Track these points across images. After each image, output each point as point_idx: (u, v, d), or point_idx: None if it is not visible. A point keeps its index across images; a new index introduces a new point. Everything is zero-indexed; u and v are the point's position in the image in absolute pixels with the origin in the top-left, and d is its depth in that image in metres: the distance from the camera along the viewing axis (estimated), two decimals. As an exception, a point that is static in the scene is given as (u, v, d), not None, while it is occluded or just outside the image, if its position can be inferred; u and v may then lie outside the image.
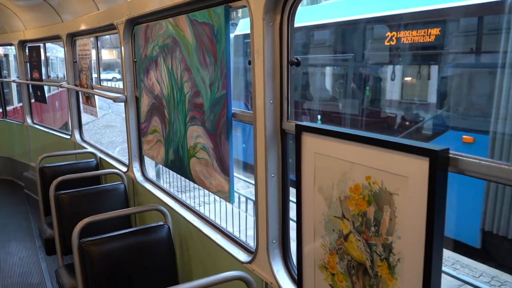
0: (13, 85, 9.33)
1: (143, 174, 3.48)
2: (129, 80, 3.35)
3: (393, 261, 1.27)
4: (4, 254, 4.51)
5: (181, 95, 2.51)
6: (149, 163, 5.20)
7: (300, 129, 1.56)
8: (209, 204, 6.77)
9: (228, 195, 2.15)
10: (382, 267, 1.31)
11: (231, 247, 2.18)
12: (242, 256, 2.08)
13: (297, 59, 1.62)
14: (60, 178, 3.29)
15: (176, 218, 2.74)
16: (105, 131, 17.01)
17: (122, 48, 3.30)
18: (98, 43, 4.67)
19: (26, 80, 6.17)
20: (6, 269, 4.20)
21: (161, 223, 2.59)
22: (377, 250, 1.32)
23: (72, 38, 4.75)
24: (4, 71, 8.93)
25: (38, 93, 5.98)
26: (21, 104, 7.34)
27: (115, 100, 3.45)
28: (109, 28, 3.67)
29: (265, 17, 1.65)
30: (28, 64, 6.08)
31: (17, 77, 6.69)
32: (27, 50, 6.10)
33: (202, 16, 2.16)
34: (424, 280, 1.17)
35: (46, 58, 6.39)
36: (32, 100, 6.49)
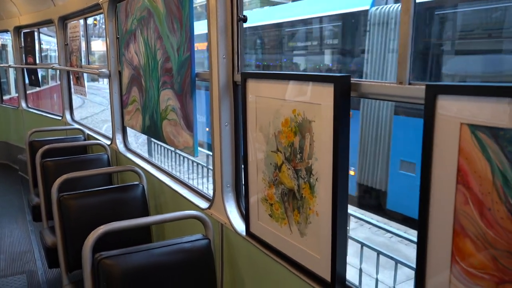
0: (11, 75, 9.53)
1: (125, 145, 3.69)
2: (113, 56, 3.56)
3: (313, 182, 1.47)
4: None
5: (154, 63, 2.71)
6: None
7: (244, 77, 1.76)
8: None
9: (192, 150, 2.36)
10: (306, 188, 1.51)
11: (195, 198, 2.39)
12: (203, 204, 2.29)
13: (244, 16, 1.82)
14: (46, 146, 3.50)
15: (150, 179, 2.94)
16: (103, 125, 17.26)
17: (107, 25, 3.50)
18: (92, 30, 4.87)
19: (21, 65, 6.38)
20: None
21: (136, 182, 2.79)
22: (301, 174, 1.52)
23: (63, 21, 4.96)
24: (4, 62, 9.15)
25: (32, 77, 6.19)
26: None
27: (99, 75, 3.65)
28: (96, 8, 3.87)
29: None
30: (23, 50, 6.29)
31: (13, 63, 6.89)
32: (22, 36, 6.31)
33: (171, -13, 2.36)
34: (333, 194, 1.37)
35: (40, 44, 6.58)
36: (31, 93, 6.69)
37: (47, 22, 5.48)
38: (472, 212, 0.97)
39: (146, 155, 3.56)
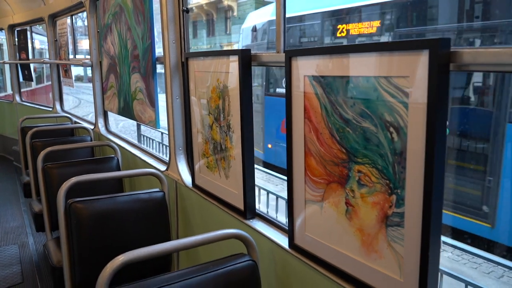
0: (7, 73, 9.94)
1: (106, 128, 4.12)
2: (94, 48, 3.99)
3: (231, 134, 1.91)
4: None
5: (126, 51, 3.14)
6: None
7: (186, 57, 2.20)
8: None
9: (155, 123, 2.80)
10: (227, 140, 1.95)
11: (155, 163, 2.83)
12: (163, 167, 2.73)
13: (186, 8, 2.26)
14: (35, 129, 3.92)
15: (125, 153, 3.38)
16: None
17: (89, 21, 3.93)
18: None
19: (15, 60, 6.80)
20: None
21: (112, 155, 3.22)
22: (224, 129, 1.96)
23: (53, 19, 5.39)
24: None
25: (25, 72, 6.62)
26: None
27: (83, 65, 4.08)
28: (80, 6, 4.30)
29: None
30: (16, 47, 6.71)
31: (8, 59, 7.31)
32: (15, 34, 6.74)
33: (137, -15, 2.80)
34: (242, 142, 1.81)
35: (33, 41, 7.00)
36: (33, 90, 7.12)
37: (39, 20, 5.91)
38: (313, 137, 1.41)
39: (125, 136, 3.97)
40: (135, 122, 7.52)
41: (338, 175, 1.33)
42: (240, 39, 10.50)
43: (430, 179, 1.03)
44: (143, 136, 8.94)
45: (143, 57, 2.82)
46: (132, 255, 1.40)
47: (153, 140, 8.36)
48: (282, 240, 1.65)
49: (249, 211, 1.88)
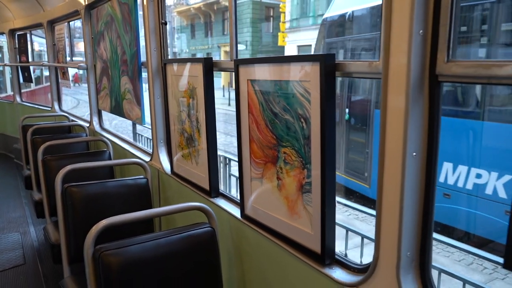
0: (7, 75, 10.33)
1: (100, 125, 4.51)
2: (89, 52, 4.38)
3: (199, 127, 2.30)
4: None
5: (116, 56, 3.53)
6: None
7: (165, 62, 2.59)
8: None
9: (141, 120, 3.19)
10: (197, 132, 2.34)
11: (142, 155, 3.22)
12: (147, 158, 3.12)
13: (165, 21, 2.65)
14: (35, 126, 4.31)
15: (116, 147, 3.77)
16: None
17: (84, 28, 4.32)
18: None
19: (16, 63, 7.19)
20: None
21: (104, 149, 3.61)
22: (194, 123, 2.35)
23: (51, 24, 5.77)
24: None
25: (25, 74, 7.00)
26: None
27: (78, 68, 4.47)
28: (76, 13, 4.69)
29: None
30: (17, 50, 7.10)
31: (8, 61, 7.70)
32: (16, 38, 7.12)
33: (125, -1, 3.19)
34: (206, 133, 2.20)
35: (32, 44, 7.39)
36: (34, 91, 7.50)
37: (38, 25, 6.29)
38: (254, 127, 1.81)
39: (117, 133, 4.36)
40: (131, 122, 7.94)
41: (271, 156, 1.72)
42: (320, 35, 8.01)
43: (323, 155, 1.42)
44: (138, 134, 9.34)
45: (131, 62, 3.21)
46: (114, 219, 1.79)
47: (148, 138, 8.76)
48: (236, 212, 2.04)
49: (213, 190, 2.27)
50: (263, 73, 1.69)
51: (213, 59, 2.13)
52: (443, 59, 1.06)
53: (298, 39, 23.59)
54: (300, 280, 1.62)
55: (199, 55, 35.57)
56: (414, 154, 1.13)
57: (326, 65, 1.37)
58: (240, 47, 31.07)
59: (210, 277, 1.85)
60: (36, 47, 11.55)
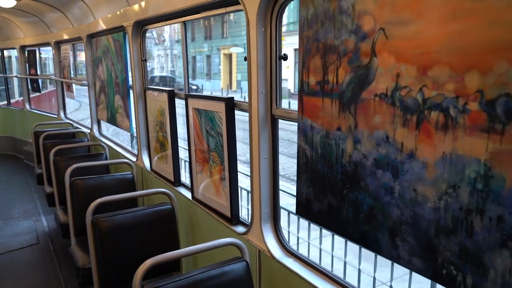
0: (15, 83, 11.31)
1: (100, 132, 5.47)
2: (90, 72, 5.34)
3: (166, 136, 3.25)
4: (5, 200, 6.50)
5: (111, 78, 4.49)
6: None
7: (144, 89, 3.54)
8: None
9: (129, 128, 4.15)
10: (166, 139, 3.30)
11: (129, 155, 4.18)
12: (133, 159, 4.07)
13: (145, 58, 3.60)
14: (46, 133, 5.27)
15: (112, 151, 4.73)
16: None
17: (86, 52, 5.28)
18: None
19: (26, 75, 8.16)
20: (5, 208, 6.19)
21: (102, 152, 4.57)
22: (163, 133, 3.30)
23: (58, 44, 6.73)
24: (8, 70, 10.93)
25: (34, 85, 7.98)
26: (21, 98, 9.34)
27: (82, 84, 5.43)
28: (79, 39, 5.65)
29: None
30: (27, 64, 8.07)
31: (18, 74, 8.67)
32: (26, 53, 8.09)
33: (117, 36, 4.14)
34: (171, 137, 3.16)
35: (41, 59, 8.35)
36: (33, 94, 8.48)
37: (46, 44, 7.25)
38: (197, 139, 2.76)
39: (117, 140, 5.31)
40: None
41: (206, 158, 2.67)
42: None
43: (229, 156, 2.37)
44: (135, 137, 10.32)
45: (122, 84, 4.17)
46: (106, 198, 2.74)
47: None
48: (189, 195, 2.99)
49: (176, 180, 3.23)
50: (201, 104, 2.65)
51: (174, 90, 3.09)
52: (274, 106, 2.02)
53: (295, 42, 24.45)
54: (221, 232, 2.58)
55: (198, 58, 36.64)
56: (265, 156, 2.09)
57: (228, 103, 2.32)
58: (239, 49, 32.14)
59: (169, 241, 2.81)
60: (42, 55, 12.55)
